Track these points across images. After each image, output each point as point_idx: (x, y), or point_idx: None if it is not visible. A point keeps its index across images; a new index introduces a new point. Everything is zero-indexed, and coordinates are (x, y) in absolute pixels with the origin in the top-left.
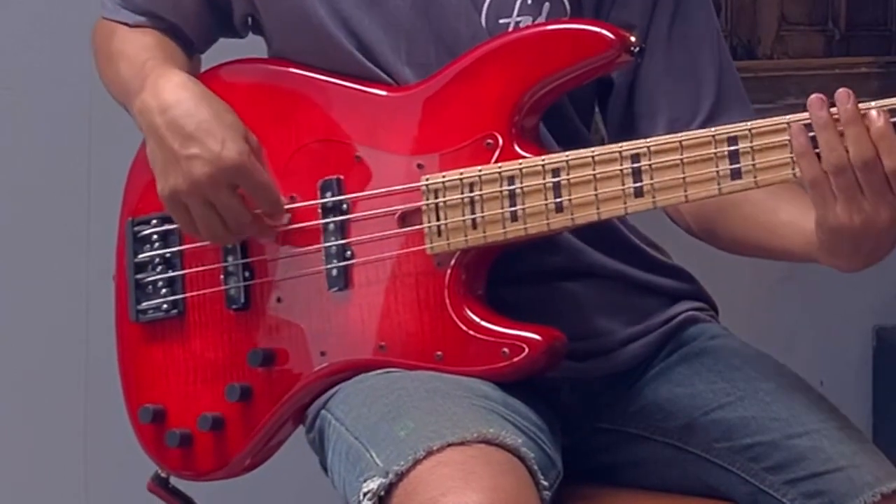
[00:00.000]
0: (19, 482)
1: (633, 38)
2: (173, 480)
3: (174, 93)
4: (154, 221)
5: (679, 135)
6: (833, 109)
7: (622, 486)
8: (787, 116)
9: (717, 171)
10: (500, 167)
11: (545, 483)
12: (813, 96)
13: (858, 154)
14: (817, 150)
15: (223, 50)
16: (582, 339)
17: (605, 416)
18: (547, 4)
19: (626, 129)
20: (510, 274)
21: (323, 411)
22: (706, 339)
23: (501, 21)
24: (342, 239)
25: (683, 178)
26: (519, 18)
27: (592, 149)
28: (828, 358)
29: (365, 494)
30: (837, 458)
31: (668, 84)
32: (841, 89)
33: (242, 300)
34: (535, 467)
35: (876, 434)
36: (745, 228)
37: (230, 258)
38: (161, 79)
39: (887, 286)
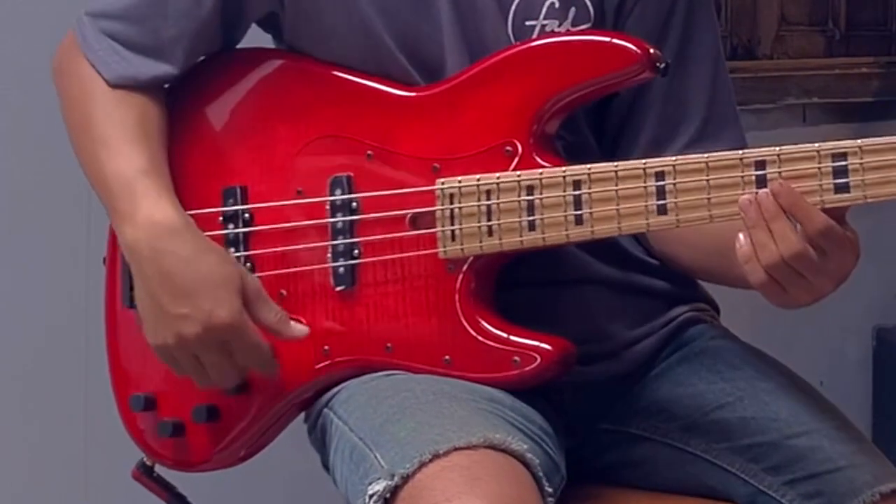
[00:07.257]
0: (20, 481)
1: (654, 52)
2: (159, 469)
3: (170, 241)
4: None
5: (706, 155)
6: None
7: (623, 486)
8: (816, 144)
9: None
10: (518, 175)
11: (549, 489)
12: (742, 198)
13: (787, 250)
14: None
15: None
16: (585, 343)
17: (606, 416)
18: (573, 9)
19: (612, 140)
20: (512, 279)
21: (326, 410)
22: (707, 340)
23: (528, 23)
24: (350, 237)
25: (708, 199)
26: (545, 21)
27: (615, 163)
28: (828, 358)
29: (370, 497)
30: (836, 458)
31: (659, 104)
32: (774, 184)
33: None
34: (541, 473)
35: (876, 434)
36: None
37: (231, 249)
38: (155, 217)
39: (887, 286)
